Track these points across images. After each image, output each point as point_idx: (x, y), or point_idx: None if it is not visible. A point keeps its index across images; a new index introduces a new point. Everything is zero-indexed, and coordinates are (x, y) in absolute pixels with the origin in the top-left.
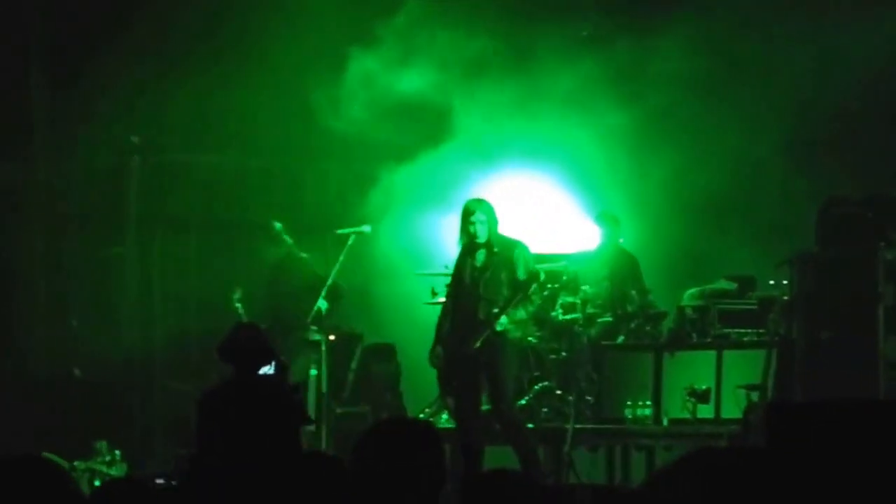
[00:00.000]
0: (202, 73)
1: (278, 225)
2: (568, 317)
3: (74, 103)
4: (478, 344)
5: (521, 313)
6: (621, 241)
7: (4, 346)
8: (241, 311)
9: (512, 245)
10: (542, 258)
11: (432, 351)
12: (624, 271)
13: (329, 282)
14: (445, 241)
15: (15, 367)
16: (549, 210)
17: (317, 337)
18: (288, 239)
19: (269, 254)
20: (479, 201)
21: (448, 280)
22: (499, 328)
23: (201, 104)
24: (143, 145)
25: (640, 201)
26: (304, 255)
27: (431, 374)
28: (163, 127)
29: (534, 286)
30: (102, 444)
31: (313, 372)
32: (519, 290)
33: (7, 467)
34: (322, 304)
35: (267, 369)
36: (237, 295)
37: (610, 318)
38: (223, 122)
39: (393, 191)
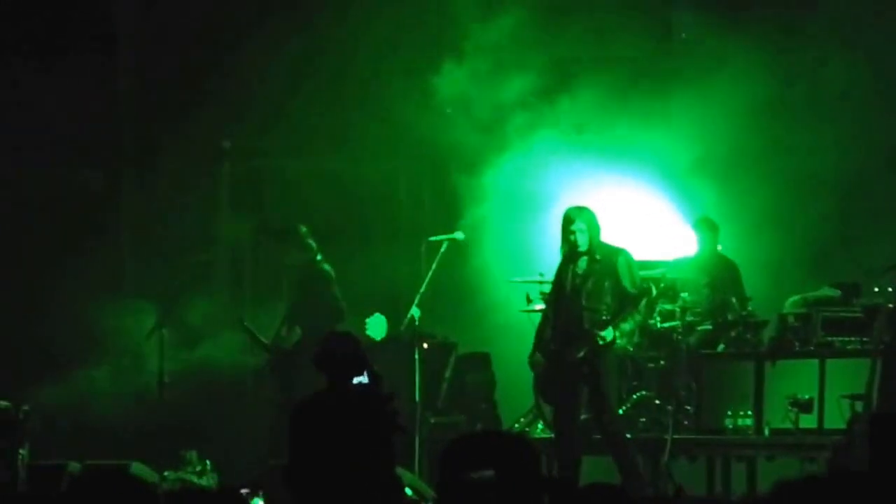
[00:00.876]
0: (292, 78)
1: (304, 228)
2: (667, 325)
3: (164, 110)
4: (581, 354)
5: (628, 325)
6: (720, 247)
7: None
8: (252, 330)
9: (615, 253)
10: (641, 265)
11: (532, 355)
12: (724, 278)
13: (422, 289)
14: (539, 248)
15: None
16: (646, 216)
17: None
18: (313, 244)
19: (294, 259)
20: (580, 209)
21: (543, 287)
22: (603, 340)
23: (294, 108)
24: (234, 150)
25: (740, 206)
26: (326, 266)
27: (526, 384)
28: (255, 131)
29: (643, 300)
30: (192, 454)
31: None
32: (628, 303)
33: (95, 481)
34: (415, 311)
35: (360, 379)
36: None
37: (710, 327)
38: (315, 126)
39: (486, 198)
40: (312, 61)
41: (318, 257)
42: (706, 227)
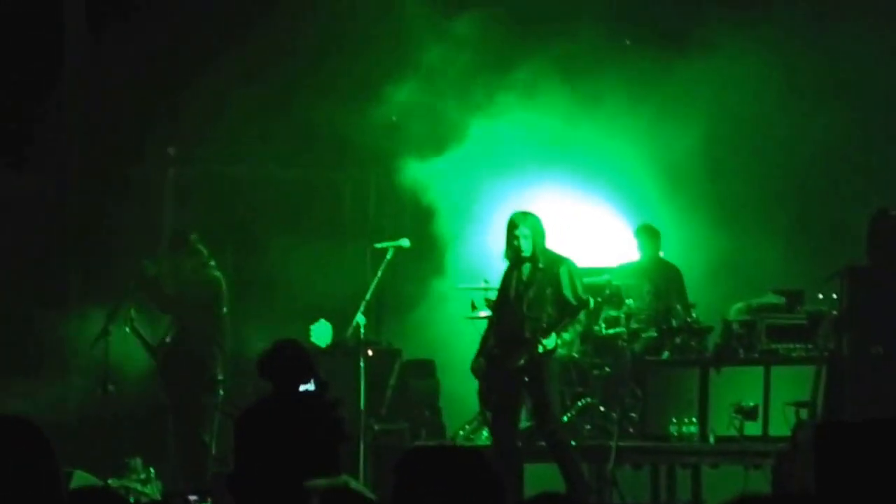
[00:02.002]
0: (237, 84)
1: (193, 235)
2: (611, 331)
3: (110, 112)
4: (521, 362)
5: (568, 334)
6: (661, 254)
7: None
8: (138, 331)
9: (558, 261)
10: (585, 272)
11: (475, 360)
12: (667, 284)
13: (367, 296)
14: (484, 255)
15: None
16: (590, 222)
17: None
18: (203, 250)
19: (186, 265)
20: (525, 214)
21: (488, 294)
22: (544, 348)
23: (239, 115)
24: (179, 157)
25: (680, 210)
26: (217, 273)
27: (471, 391)
28: (197, 137)
29: (581, 311)
30: (136, 461)
31: None
32: (567, 314)
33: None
34: (360, 318)
35: (307, 386)
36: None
37: (654, 333)
38: (261, 132)
39: (432, 204)
40: (260, 67)
41: (212, 262)
42: (647, 233)
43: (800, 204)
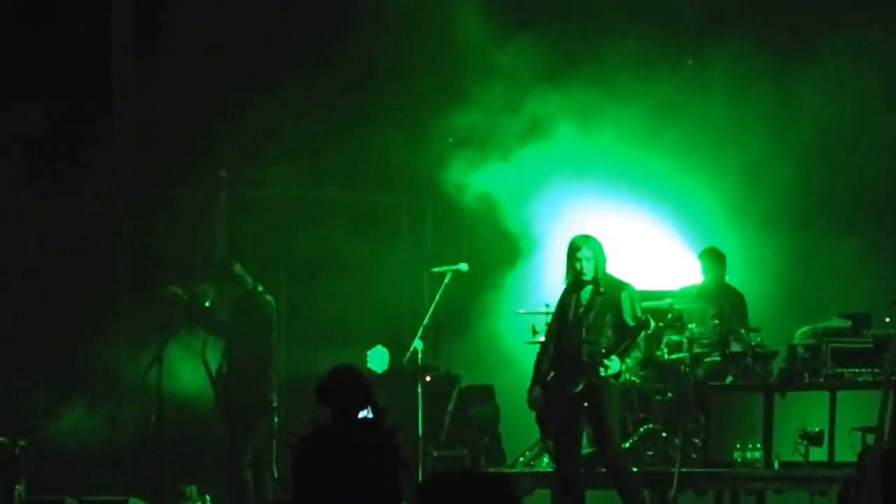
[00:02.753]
0: (293, 107)
1: (237, 265)
2: (674, 356)
3: (157, 134)
4: (580, 387)
5: (629, 360)
6: (726, 278)
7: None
8: (206, 364)
9: (619, 286)
10: (647, 295)
11: (530, 392)
12: (731, 308)
13: (425, 321)
14: (544, 279)
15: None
16: (652, 245)
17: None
18: (248, 278)
19: (231, 294)
20: (587, 238)
21: (548, 319)
22: (606, 370)
23: (295, 139)
24: (231, 179)
25: (748, 235)
26: (268, 297)
27: (531, 417)
28: (253, 161)
29: (642, 333)
30: (192, 489)
31: None
32: (626, 337)
33: None
34: (418, 343)
35: (364, 413)
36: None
37: (718, 358)
38: (315, 156)
39: (489, 227)
40: (316, 90)
41: (259, 288)
42: (712, 257)
43: (868, 227)
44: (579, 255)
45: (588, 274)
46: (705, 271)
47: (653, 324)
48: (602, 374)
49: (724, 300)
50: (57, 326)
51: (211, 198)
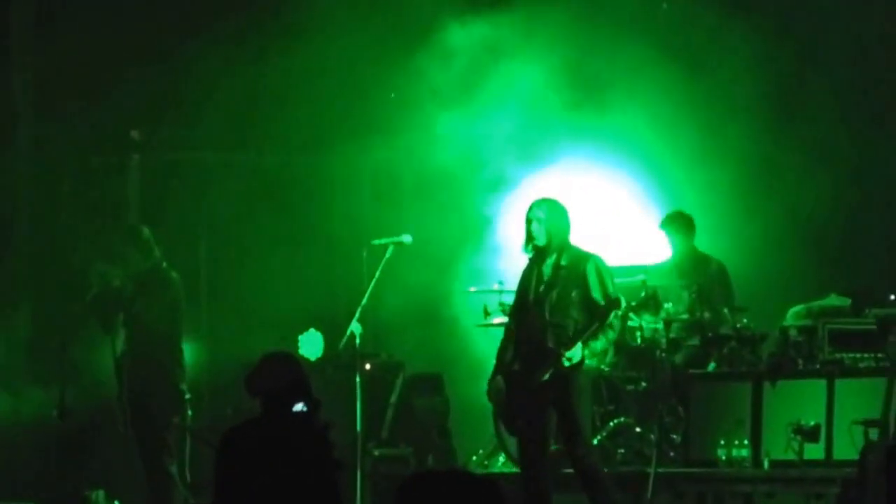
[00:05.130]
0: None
1: (146, 231)
2: (648, 340)
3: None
4: (545, 377)
5: (600, 343)
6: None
7: None
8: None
9: (584, 258)
10: (617, 271)
11: (491, 381)
12: (709, 282)
13: (364, 301)
14: (498, 254)
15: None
16: (623, 214)
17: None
18: (156, 250)
19: (136, 264)
20: (540, 199)
21: (503, 298)
22: (570, 361)
23: (218, 98)
24: (144, 141)
25: (727, 201)
26: (174, 274)
27: (485, 410)
28: (163, 121)
29: (612, 314)
30: (99, 494)
31: None
32: (596, 317)
33: None
34: (356, 327)
35: (300, 407)
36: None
37: (698, 342)
38: (236, 117)
39: (435, 193)
40: (240, 42)
41: (164, 264)
42: (678, 222)
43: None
44: (529, 215)
45: (539, 239)
46: (673, 241)
47: (624, 303)
48: (566, 364)
49: (697, 272)
50: None
51: (122, 163)
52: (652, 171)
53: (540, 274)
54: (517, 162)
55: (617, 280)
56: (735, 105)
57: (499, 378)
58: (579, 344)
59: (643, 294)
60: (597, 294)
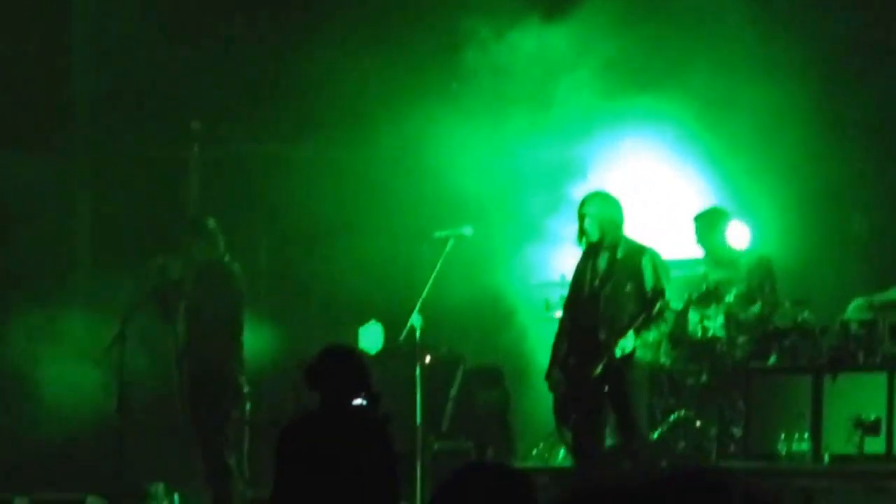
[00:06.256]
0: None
1: (212, 222)
2: (709, 334)
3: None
4: (599, 370)
5: (652, 334)
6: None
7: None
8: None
9: (639, 251)
10: (675, 264)
11: (549, 374)
12: (760, 278)
13: (425, 294)
14: (561, 247)
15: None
16: (683, 206)
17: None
18: (222, 243)
19: (201, 253)
20: (593, 193)
21: (566, 292)
22: (622, 352)
23: (276, 91)
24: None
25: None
26: (236, 266)
27: (545, 403)
28: (225, 113)
29: (658, 304)
30: (158, 487)
31: None
32: (643, 309)
33: None
34: (416, 319)
35: (360, 400)
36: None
37: (758, 336)
38: (289, 105)
39: (497, 186)
40: (303, 42)
41: (227, 257)
42: (711, 219)
43: None
44: (582, 210)
45: (592, 234)
46: (708, 236)
47: (686, 296)
48: (618, 355)
49: (755, 269)
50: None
51: (181, 155)
52: (709, 164)
53: (595, 268)
54: (581, 153)
55: (677, 273)
56: (793, 96)
57: (556, 371)
58: (631, 334)
59: (704, 287)
60: (651, 288)
